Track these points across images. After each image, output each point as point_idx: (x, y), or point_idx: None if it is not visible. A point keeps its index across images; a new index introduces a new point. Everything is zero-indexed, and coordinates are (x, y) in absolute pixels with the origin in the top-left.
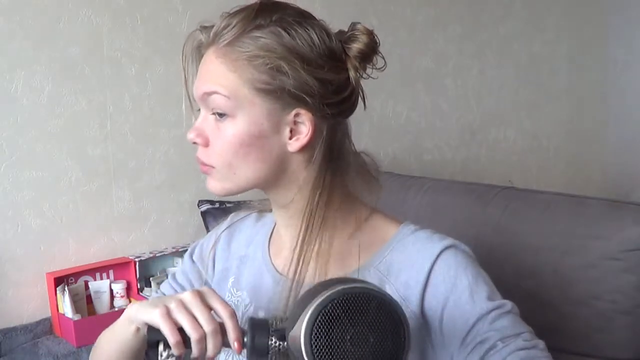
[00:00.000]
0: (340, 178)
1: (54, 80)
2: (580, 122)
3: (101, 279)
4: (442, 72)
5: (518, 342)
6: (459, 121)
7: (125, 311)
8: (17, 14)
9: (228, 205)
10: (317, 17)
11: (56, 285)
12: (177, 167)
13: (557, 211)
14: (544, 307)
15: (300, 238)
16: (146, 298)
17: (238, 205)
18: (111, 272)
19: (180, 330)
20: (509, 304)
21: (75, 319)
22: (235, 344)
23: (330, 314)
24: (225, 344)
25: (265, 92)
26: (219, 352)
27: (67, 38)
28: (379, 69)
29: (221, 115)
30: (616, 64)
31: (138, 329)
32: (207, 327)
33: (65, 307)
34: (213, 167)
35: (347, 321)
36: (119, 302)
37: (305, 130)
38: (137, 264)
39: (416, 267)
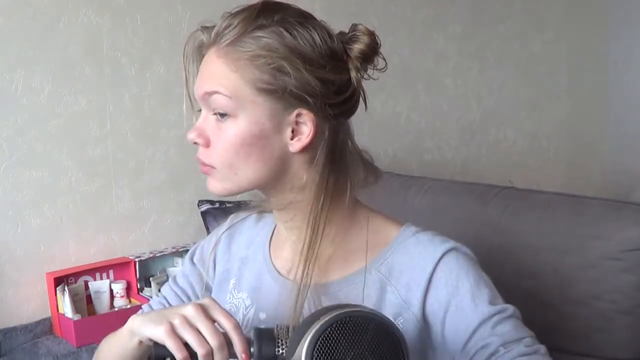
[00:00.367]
0: (343, 180)
1: (54, 80)
2: (580, 122)
3: (101, 279)
4: (442, 72)
5: (520, 347)
6: (459, 121)
7: (128, 322)
8: (17, 14)
9: (228, 205)
10: (317, 18)
11: (56, 285)
12: (177, 167)
13: (557, 211)
14: (544, 307)
15: (307, 242)
16: (146, 298)
17: (238, 206)
18: (111, 272)
19: (186, 345)
20: (510, 308)
21: (75, 319)
22: (243, 356)
23: (330, 338)
24: (231, 355)
25: (267, 92)
26: None
27: (67, 38)
28: (380, 69)
29: (222, 115)
30: (616, 64)
31: (141, 342)
32: (213, 341)
33: (65, 307)
34: (214, 168)
35: (346, 344)
36: (118, 302)
37: (307, 130)
38: (137, 264)
39: (418, 269)
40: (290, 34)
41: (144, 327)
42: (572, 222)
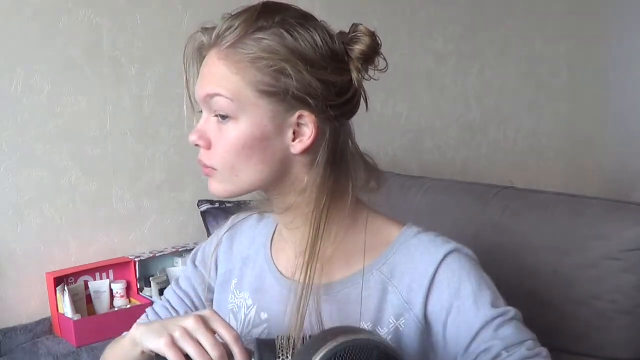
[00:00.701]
0: (344, 181)
1: (54, 80)
2: (580, 122)
3: (101, 279)
4: (442, 72)
5: (522, 351)
6: (459, 121)
7: (131, 330)
8: (17, 14)
9: (228, 205)
10: (317, 18)
11: (56, 285)
12: (177, 167)
13: (557, 211)
14: (544, 307)
15: (309, 243)
16: (146, 298)
17: (238, 206)
18: (111, 272)
19: (187, 357)
20: (512, 311)
21: (75, 319)
22: None
23: None
24: None
25: (269, 94)
26: None
27: (67, 38)
28: (381, 70)
29: (224, 117)
30: (616, 64)
31: (143, 352)
32: (214, 353)
33: (65, 307)
34: (215, 170)
35: None
36: (118, 302)
37: (308, 132)
38: (137, 264)
39: (420, 271)
40: (291, 35)
41: (145, 339)
42: (572, 222)
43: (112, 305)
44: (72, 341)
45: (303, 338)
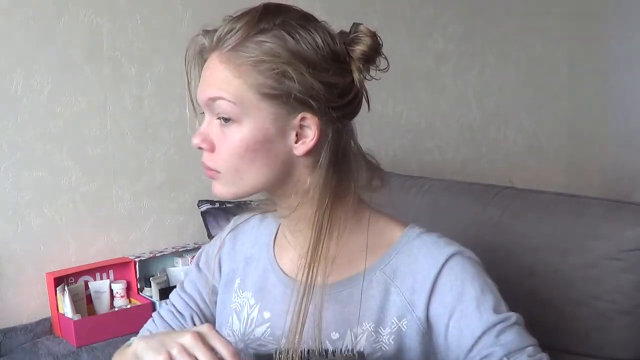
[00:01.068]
0: (347, 182)
1: (54, 80)
2: (580, 122)
3: (101, 279)
4: (442, 72)
5: (523, 357)
6: (459, 121)
7: (133, 344)
8: (17, 14)
9: (228, 205)
10: (318, 18)
11: (56, 285)
12: (177, 167)
13: (557, 211)
14: (544, 307)
15: (312, 243)
16: (146, 298)
17: (238, 206)
18: (111, 272)
19: None
20: (514, 316)
21: (75, 319)
22: None
23: None
24: None
25: (271, 97)
26: None
27: (67, 38)
28: (382, 70)
29: (226, 120)
30: (616, 64)
31: None
32: None
33: (65, 307)
34: (219, 172)
35: None
36: (118, 302)
37: (311, 134)
38: (137, 264)
39: (422, 272)
40: (292, 37)
41: (144, 355)
42: (572, 222)
43: (112, 305)
44: (72, 341)
45: (301, 352)
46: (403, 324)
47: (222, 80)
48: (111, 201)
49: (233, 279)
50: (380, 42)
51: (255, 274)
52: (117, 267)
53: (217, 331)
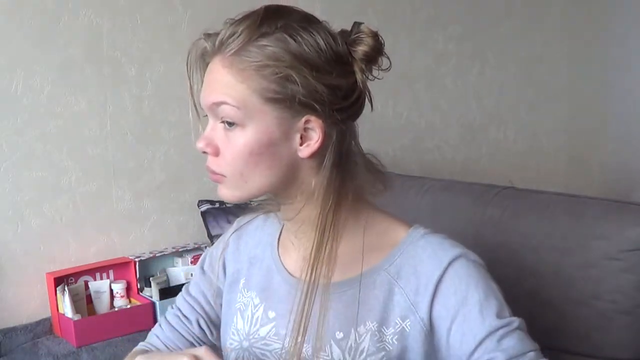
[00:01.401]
0: (350, 182)
1: (54, 80)
2: (580, 122)
3: (101, 279)
4: (442, 72)
5: None
6: (459, 121)
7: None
8: (17, 14)
9: (228, 205)
10: (318, 18)
11: (56, 285)
12: (177, 167)
13: (557, 211)
14: (544, 307)
15: (316, 244)
16: (146, 298)
17: (238, 206)
18: (111, 272)
19: None
20: (516, 321)
21: (75, 319)
22: None
23: None
24: None
25: (275, 101)
26: None
27: (67, 38)
28: (384, 69)
29: (230, 124)
30: (616, 64)
31: None
32: None
33: (65, 307)
34: (224, 176)
35: None
36: (118, 302)
37: (315, 136)
38: (137, 264)
39: (426, 274)
40: (294, 40)
41: None
42: (572, 222)
43: (112, 305)
44: (72, 341)
45: None
46: (407, 325)
47: (226, 85)
48: (111, 201)
49: (238, 279)
50: (382, 42)
51: (260, 274)
52: (117, 267)
53: (213, 352)
